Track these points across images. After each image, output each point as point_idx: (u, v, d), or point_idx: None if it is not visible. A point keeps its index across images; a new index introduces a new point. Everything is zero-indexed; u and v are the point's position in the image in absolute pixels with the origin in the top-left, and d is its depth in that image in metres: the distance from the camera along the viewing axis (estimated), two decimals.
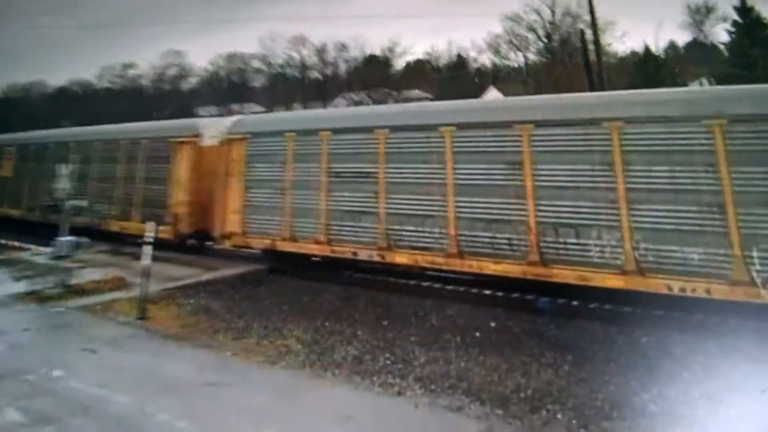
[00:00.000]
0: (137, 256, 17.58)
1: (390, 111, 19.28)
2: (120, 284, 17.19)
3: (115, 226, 23.45)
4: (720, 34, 71.14)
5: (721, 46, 59.96)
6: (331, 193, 16.95)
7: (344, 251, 16.43)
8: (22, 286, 16.71)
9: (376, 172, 16.16)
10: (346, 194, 16.63)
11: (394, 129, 16.13)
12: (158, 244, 20.77)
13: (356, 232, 16.28)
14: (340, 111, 23.21)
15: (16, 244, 23.80)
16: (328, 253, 16.78)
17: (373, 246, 15.90)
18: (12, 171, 30.39)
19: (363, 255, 16.08)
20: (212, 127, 21.29)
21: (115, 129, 27.00)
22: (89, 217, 24.19)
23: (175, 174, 21.48)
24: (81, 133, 28.36)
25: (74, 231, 22.50)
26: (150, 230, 14.97)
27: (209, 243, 21.53)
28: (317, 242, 17.00)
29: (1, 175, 30.85)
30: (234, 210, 19.09)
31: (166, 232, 20.73)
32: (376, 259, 15.82)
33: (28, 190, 28.75)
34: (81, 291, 16.44)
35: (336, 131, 17.26)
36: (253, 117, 21.95)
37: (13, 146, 31.20)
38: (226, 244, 19.55)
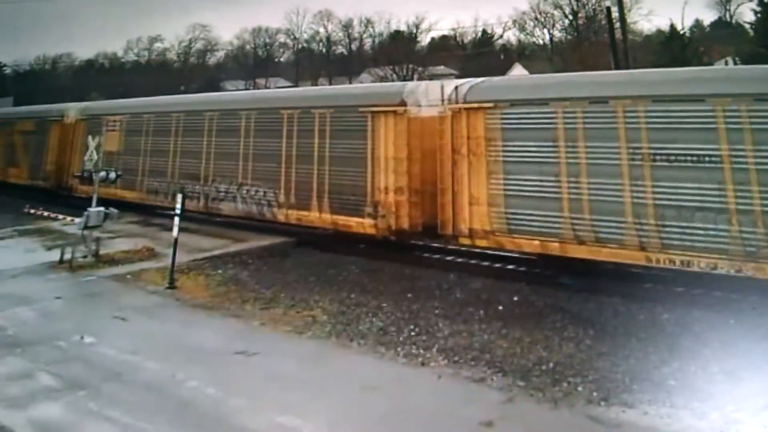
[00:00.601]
0: (166, 227, 17.85)
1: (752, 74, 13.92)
2: (150, 254, 17.49)
3: (283, 216, 19.03)
4: (746, 13, 69.93)
5: (747, 26, 59.04)
6: (649, 182, 12.52)
7: (675, 260, 12.28)
8: (53, 255, 17.03)
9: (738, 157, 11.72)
10: (680, 184, 12.22)
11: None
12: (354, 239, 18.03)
13: (697, 236, 12.00)
14: (657, 73, 15.53)
15: (46, 213, 24.12)
16: (641, 261, 12.71)
17: (740, 256, 11.59)
18: (120, 144, 25.55)
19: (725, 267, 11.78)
20: (424, 93, 16.91)
21: (273, 96, 24.16)
22: (242, 205, 20.17)
23: (376, 152, 16.75)
24: (218, 101, 24.19)
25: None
26: (179, 203, 15.21)
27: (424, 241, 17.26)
28: (622, 246, 12.82)
29: (105, 149, 26.20)
30: (476, 200, 14.75)
31: (366, 226, 16.81)
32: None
33: (147, 169, 23.98)
34: (111, 260, 16.77)
35: (660, 99, 12.70)
36: (498, 81, 17.35)
37: (120, 115, 26.24)
38: (465, 244, 15.45)
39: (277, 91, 22.36)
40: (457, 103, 15.40)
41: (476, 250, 15.60)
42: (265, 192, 19.48)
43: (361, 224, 16.86)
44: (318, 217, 18.04)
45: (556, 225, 13.55)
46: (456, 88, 15.73)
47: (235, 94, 25.74)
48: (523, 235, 14.04)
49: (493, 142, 14.61)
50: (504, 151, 14.46)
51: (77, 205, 23.34)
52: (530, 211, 13.92)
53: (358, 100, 17.95)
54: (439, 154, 15.60)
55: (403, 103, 16.50)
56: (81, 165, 26.30)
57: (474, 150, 14.86)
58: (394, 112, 16.50)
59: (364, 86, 20.20)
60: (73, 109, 29.24)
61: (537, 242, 13.86)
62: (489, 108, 14.78)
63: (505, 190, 14.34)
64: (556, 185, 13.59)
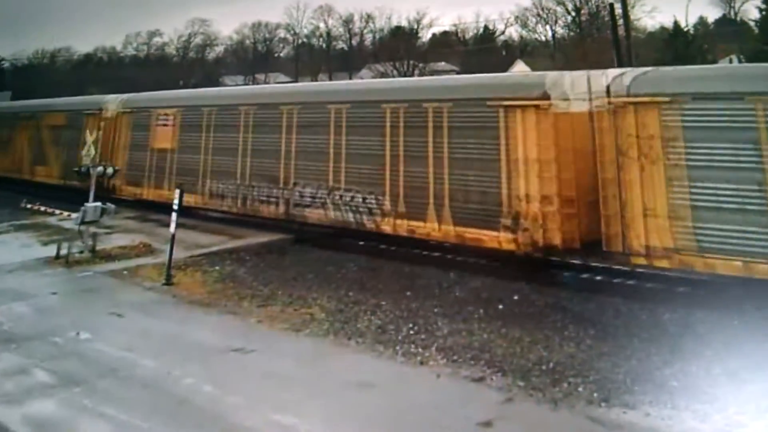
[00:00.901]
0: (164, 223, 17.76)
1: None
2: (147, 250, 17.41)
3: (390, 226, 16.49)
4: (751, 10, 69.84)
5: (752, 23, 58.96)
6: None
7: None
8: (50, 251, 16.93)
9: None
10: None
11: None
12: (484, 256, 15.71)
13: None
14: None
15: (43, 208, 24.06)
16: None
17: None
18: (174, 141, 22.96)
19: None
20: (570, 85, 14.42)
21: (371, 87, 22.06)
22: (335, 213, 17.71)
23: (512, 153, 14.38)
24: (298, 93, 21.97)
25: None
26: (177, 197, 15.11)
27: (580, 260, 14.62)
28: None
29: (156, 146, 23.67)
30: (653, 212, 12.47)
31: (502, 241, 14.49)
32: None
33: (209, 170, 21.43)
34: (108, 256, 16.72)
35: None
36: (671, 71, 14.69)
37: (173, 108, 23.61)
38: (640, 264, 13.01)
39: (376, 81, 19.39)
40: (618, 96, 13.22)
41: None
42: (364, 198, 17.02)
43: (496, 239, 14.54)
44: (436, 228, 15.58)
45: (764, 243, 11.31)
46: (614, 79, 13.58)
47: (320, 85, 22.58)
48: (719, 254, 11.75)
49: (673, 142, 12.34)
50: (688, 153, 12.18)
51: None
52: (727, 226, 11.68)
53: (485, 92, 15.48)
54: (599, 156, 13.39)
55: (547, 96, 14.16)
56: (126, 164, 24.42)
57: (646, 152, 12.61)
58: (536, 106, 14.20)
59: (490, 76, 16.80)
60: (113, 101, 26.78)
61: (739, 263, 11.57)
62: (665, 102, 12.51)
63: (691, 200, 12.09)
64: (761, 195, 11.37)
